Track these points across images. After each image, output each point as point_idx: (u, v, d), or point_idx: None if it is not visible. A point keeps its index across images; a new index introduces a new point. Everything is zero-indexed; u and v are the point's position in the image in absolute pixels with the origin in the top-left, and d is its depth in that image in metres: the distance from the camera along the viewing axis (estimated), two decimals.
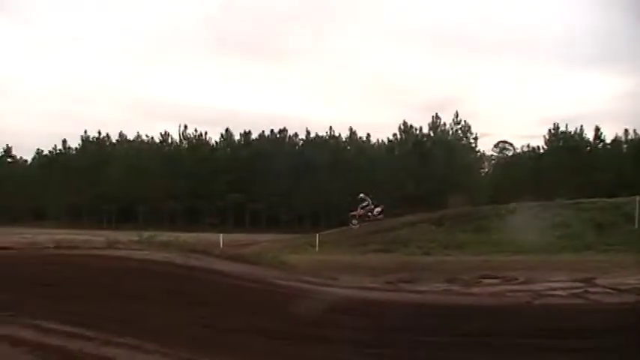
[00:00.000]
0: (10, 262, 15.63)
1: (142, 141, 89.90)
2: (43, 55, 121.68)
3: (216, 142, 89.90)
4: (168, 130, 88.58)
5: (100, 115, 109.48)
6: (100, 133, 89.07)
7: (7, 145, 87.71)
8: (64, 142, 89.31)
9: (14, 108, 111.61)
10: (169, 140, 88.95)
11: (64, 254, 16.75)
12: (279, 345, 8.93)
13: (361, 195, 31.62)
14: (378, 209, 30.74)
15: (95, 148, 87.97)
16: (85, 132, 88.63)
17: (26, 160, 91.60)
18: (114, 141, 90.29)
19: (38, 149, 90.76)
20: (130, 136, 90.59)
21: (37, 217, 73.40)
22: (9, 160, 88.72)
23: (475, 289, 15.79)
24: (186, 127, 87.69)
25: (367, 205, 30.16)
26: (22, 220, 67.36)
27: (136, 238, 21.21)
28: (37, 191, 78.06)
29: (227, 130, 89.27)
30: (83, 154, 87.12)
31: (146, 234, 22.10)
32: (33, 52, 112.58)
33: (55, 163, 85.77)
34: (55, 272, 13.45)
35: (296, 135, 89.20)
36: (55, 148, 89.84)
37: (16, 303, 10.38)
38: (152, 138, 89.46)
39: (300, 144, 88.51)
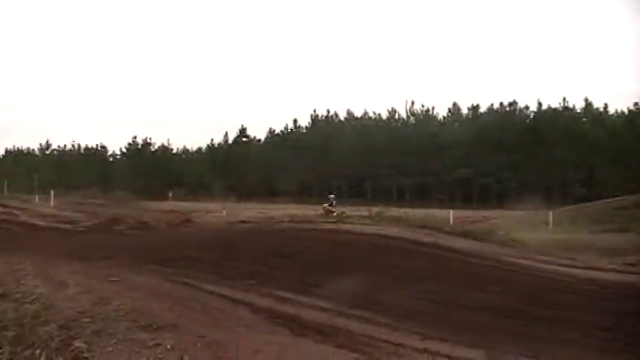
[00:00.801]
0: (250, 235, 16.65)
1: (370, 118, 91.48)
2: (277, 36, 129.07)
3: (444, 117, 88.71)
4: (395, 107, 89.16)
5: (328, 93, 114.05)
6: (328, 111, 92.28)
7: (242, 125, 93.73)
8: (295, 121, 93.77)
9: (248, 91, 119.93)
10: (396, 116, 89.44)
11: (298, 228, 17.46)
12: (509, 324, 8.46)
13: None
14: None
15: (324, 125, 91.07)
16: (314, 111, 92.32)
17: (260, 140, 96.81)
18: (342, 118, 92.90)
19: (270, 128, 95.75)
20: (358, 113, 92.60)
21: (271, 193, 77.66)
22: (244, 139, 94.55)
23: None
24: (413, 102, 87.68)
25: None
26: (257, 196, 71.70)
27: (365, 214, 21.59)
28: (269, 169, 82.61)
29: (454, 104, 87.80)
30: (313, 132, 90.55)
31: (375, 209, 22.38)
32: (266, 35, 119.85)
33: (286, 142, 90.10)
34: (289, 245, 13.98)
35: (527, 107, 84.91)
36: (286, 127, 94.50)
37: (255, 273, 10.91)
38: (379, 115, 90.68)
39: (532, 116, 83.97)
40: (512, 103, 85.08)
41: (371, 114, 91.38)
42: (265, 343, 6.48)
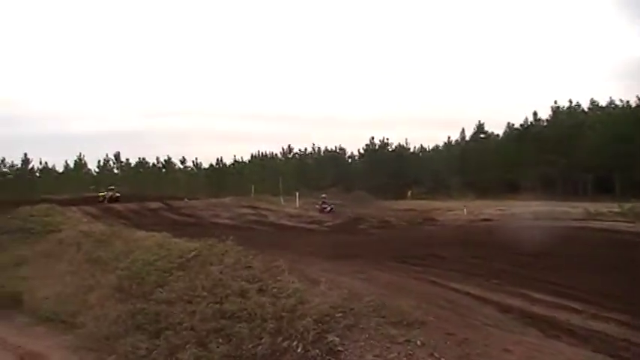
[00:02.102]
0: (493, 233, 16.25)
1: (616, 107, 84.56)
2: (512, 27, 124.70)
3: None
4: None
5: (571, 83, 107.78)
6: (570, 102, 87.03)
7: (479, 121, 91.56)
8: (535, 114, 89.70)
9: (484, 87, 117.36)
10: None
11: (543, 225, 16.71)
12: None
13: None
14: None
15: (566, 117, 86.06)
16: (555, 102, 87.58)
17: (498, 135, 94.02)
18: (585, 109, 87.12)
19: (509, 123, 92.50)
20: (602, 103, 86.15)
21: (510, 189, 75.04)
22: (482, 135, 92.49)
23: None
24: None
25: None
26: (495, 192, 69.71)
27: (616, 210, 20.02)
28: (508, 164, 79.88)
29: None
30: (554, 124, 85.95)
31: (627, 205, 20.64)
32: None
33: (526, 135, 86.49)
34: (531, 243, 13.42)
35: None
36: (525, 120, 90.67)
37: (500, 271, 10.61)
38: (627, 102, 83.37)
39: None
40: None
41: (617, 102, 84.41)
42: (515, 342, 6.23)
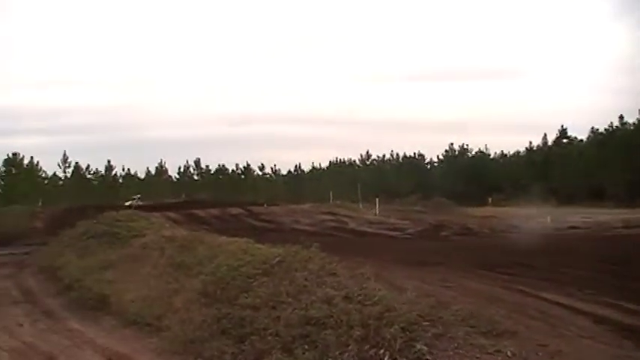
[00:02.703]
0: (581, 241, 15.73)
1: None
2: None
3: None
4: None
5: None
6: None
7: (562, 126, 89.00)
8: (621, 117, 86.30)
9: (566, 92, 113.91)
10: None
11: (635, 234, 16.07)
12: None
13: None
14: None
15: None
16: None
17: (581, 140, 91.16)
18: None
19: (593, 127, 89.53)
20: None
21: (594, 196, 72.46)
22: (564, 140, 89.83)
23: None
24: None
25: None
26: (578, 199, 67.51)
27: None
28: (593, 170, 77.21)
29: None
30: None
31: None
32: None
33: (611, 140, 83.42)
34: (623, 252, 12.94)
35: None
36: (610, 125, 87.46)
37: (592, 281, 10.23)
38: None
39: None
40: None
41: None
42: (613, 357, 5.98)
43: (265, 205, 39.64)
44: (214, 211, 31.96)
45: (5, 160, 48.70)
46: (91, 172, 66.42)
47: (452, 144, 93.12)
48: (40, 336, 11.08)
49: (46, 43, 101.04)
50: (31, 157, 48.87)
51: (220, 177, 77.54)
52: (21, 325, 12.20)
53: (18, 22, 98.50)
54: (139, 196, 28.79)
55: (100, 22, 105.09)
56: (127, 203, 32.11)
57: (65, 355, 9.54)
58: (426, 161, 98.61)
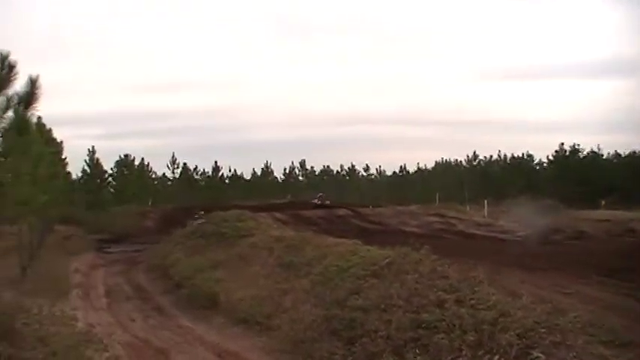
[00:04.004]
0: None
1: None
2: None
3: None
4: None
5: None
6: None
7: None
8: None
9: None
10: None
11: None
12: None
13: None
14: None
15: None
16: None
17: None
18: None
19: None
20: None
21: None
22: None
23: None
24: None
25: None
26: None
27: None
28: None
29: None
30: None
31: None
32: None
33: None
34: None
35: None
36: None
37: None
38: None
39: None
40: None
41: None
42: None
43: (371, 207, 39.54)
44: (321, 212, 32.17)
45: (117, 161, 50.90)
46: (199, 173, 68.42)
47: (562, 144, 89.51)
48: (152, 331, 11.56)
49: (155, 47, 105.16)
50: (142, 159, 50.96)
51: (325, 178, 78.05)
52: (133, 320, 12.82)
53: (129, 28, 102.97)
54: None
55: (207, 24, 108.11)
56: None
57: (176, 350, 9.90)
58: (535, 162, 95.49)
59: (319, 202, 29.87)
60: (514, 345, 5.77)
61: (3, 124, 9.26)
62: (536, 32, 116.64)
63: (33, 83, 9.42)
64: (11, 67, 9.20)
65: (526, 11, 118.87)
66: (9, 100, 9.23)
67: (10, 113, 9.29)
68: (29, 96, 9.39)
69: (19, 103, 9.31)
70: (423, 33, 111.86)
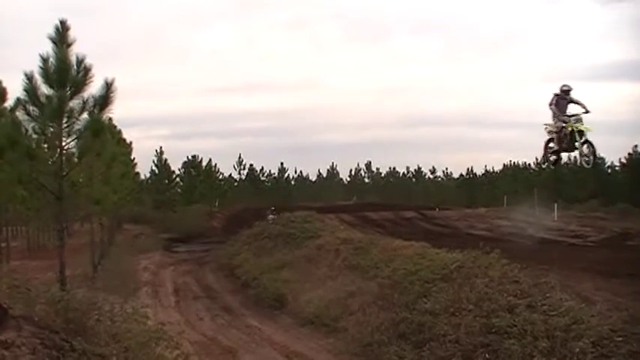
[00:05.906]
0: None
1: None
2: None
3: None
4: None
5: None
6: None
7: None
8: None
9: None
10: None
11: None
12: None
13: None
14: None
15: None
16: None
17: None
18: None
19: None
20: None
21: None
22: None
23: None
24: None
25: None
26: None
27: None
28: None
29: None
30: None
31: None
32: None
33: None
34: None
35: None
36: None
37: None
38: None
39: None
40: None
41: None
42: None
43: (437, 209, 39.10)
44: (387, 214, 31.96)
45: (184, 162, 51.95)
46: (265, 174, 69.13)
47: (635, 146, 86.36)
48: (220, 330, 11.84)
49: (229, 50, 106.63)
50: (209, 159, 51.83)
51: (391, 180, 77.59)
52: (202, 319, 13.12)
53: (206, 33, 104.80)
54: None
55: (281, 27, 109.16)
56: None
57: (244, 350, 10.08)
58: (607, 165, 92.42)
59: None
60: (588, 353, 5.65)
61: (78, 126, 9.73)
62: (605, 34, 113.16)
63: (108, 86, 9.81)
64: (87, 70, 9.61)
65: (603, 9, 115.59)
66: (85, 102, 9.67)
67: (84, 115, 9.72)
68: (104, 99, 9.76)
69: (94, 106, 9.72)
70: (492, 34, 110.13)
